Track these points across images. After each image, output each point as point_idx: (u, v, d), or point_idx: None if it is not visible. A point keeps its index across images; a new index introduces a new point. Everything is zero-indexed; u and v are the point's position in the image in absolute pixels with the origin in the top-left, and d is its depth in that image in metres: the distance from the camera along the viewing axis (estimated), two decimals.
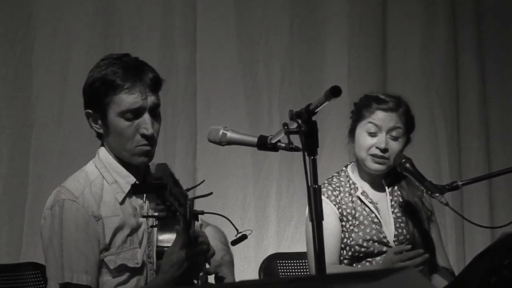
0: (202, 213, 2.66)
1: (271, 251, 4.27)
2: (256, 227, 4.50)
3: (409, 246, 3.39)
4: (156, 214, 2.47)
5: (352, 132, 3.55)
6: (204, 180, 2.77)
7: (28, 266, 3.40)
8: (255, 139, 2.64)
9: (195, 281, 2.66)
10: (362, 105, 3.53)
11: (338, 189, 3.51)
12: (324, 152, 4.51)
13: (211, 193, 2.71)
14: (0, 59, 4.32)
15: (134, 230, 2.82)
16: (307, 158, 2.45)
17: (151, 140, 2.79)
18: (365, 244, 3.44)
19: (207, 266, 2.78)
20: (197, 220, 2.70)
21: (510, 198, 5.13)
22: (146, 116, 2.78)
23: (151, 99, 2.79)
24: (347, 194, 3.50)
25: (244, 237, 2.77)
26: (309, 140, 2.47)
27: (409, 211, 3.51)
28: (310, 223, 3.44)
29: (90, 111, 2.83)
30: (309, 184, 2.45)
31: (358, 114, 3.53)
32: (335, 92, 2.40)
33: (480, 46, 5.19)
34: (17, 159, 4.32)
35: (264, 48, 4.80)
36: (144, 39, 4.52)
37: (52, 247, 2.74)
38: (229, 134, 2.69)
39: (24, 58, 4.36)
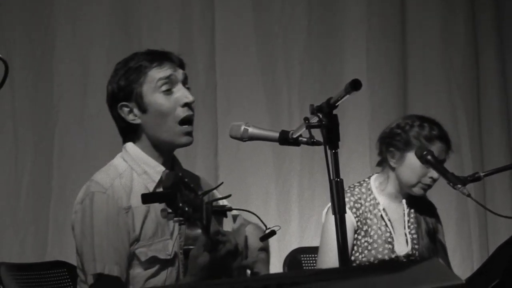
0: (231, 209, 2.66)
1: (294, 245, 4.28)
2: (278, 222, 4.49)
3: None
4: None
5: (402, 154, 3.46)
6: (222, 182, 2.77)
7: (54, 264, 3.40)
8: (276, 134, 2.64)
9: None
10: (419, 133, 3.44)
11: (359, 201, 3.49)
12: (344, 145, 4.51)
13: (229, 195, 2.72)
14: (21, 61, 4.36)
15: (164, 220, 2.78)
16: (328, 151, 2.46)
17: (192, 108, 2.80)
18: (376, 263, 3.44)
19: (243, 261, 2.79)
20: (225, 217, 2.70)
21: None
22: (181, 86, 2.81)
23: (181, 72, 2.83)
24: (367, 209, 3.49)
25: (273, 233, 2.77)
26: (330, 133, 2.46)
27: (421, 231, 3.53)
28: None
29: (123, 103, 2.80)
30: (331, 178, 2.45)
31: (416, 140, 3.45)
32: (355, 85, 2.40)
33: (500, 39, 5.17)
34: (41, 159, 4.35)
35: (282, 44, 4.81)
36: (163, 38, 4.54)
37: (85, 240, 2.73)
38: (251, 130, 2.69)
39: (45, 59, 4.40)
